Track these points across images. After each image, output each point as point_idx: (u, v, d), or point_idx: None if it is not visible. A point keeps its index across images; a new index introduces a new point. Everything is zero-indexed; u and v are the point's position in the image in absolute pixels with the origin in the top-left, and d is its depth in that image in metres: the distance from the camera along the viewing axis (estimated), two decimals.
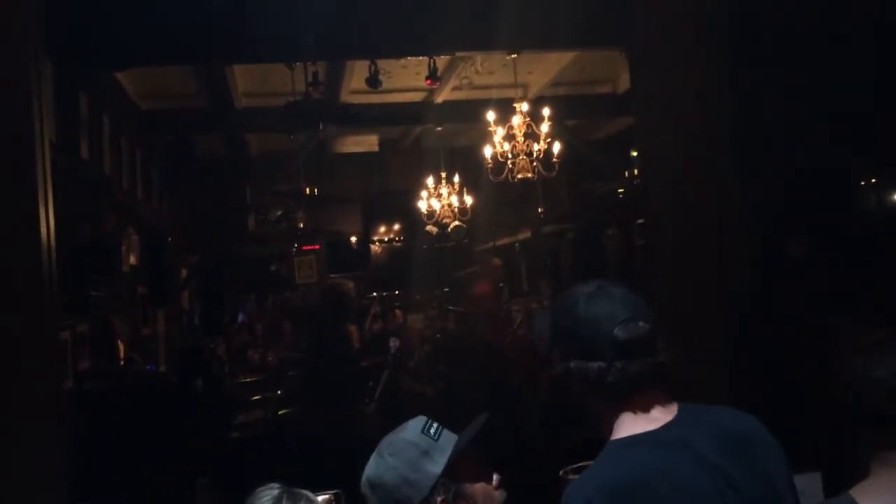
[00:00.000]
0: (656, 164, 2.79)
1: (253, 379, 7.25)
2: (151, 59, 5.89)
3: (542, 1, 5.97)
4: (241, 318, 11.13)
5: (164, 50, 5.66)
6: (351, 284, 5.78)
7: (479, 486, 1.72)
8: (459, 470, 1.69)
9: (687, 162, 2.69)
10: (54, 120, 5.29)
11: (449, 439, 1.71)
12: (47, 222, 2.54)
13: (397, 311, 9.95)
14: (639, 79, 2.82)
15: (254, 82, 8.23)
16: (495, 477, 1.76)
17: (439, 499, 1.64)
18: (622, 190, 9.63)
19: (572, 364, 1.55)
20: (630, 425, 1.53)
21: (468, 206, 9.87)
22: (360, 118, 7.03)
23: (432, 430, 1.71)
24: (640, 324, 1.52)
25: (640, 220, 8.33)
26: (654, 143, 2.78)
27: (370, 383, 6.36)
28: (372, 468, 1.70)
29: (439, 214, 9.89)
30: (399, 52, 6.65)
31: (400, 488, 1.64)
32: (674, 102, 2.71)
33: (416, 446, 1.68)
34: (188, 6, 5.68)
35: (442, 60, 7.48)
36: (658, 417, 1.53)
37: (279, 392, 6.61)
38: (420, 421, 1.74)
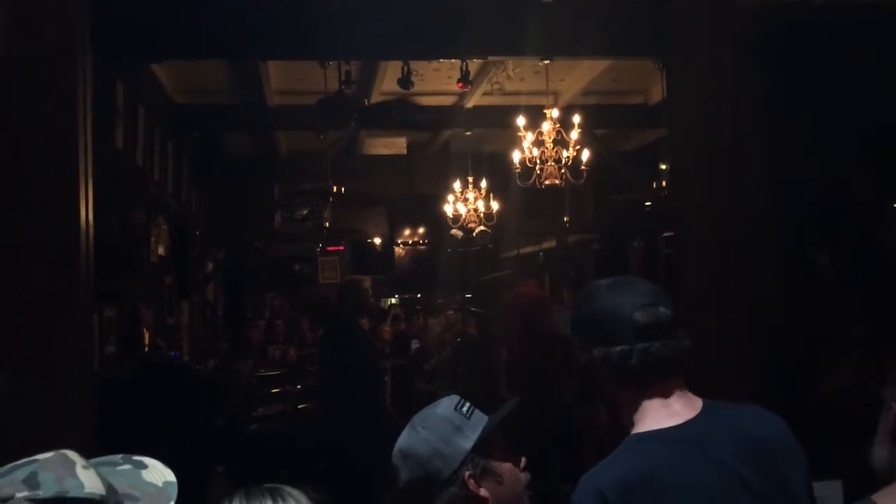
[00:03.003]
0: (686, 174, 2.79)
1: (273, 373, 7.30)
2: (188, 52, 5.99)
3: (575, 8, 6.01)
4: (262, 312, 11.23)
5: (200, 44, 5.76)
6: (367, 282, 5.79)
7: (507, 466, 1.76)
8: (488, 448, 1.73)
9: (717, 174, 2.69)
10: (93, 110, 5.41)
11: (480, 418, 1.76)
12: (86, 210, 2.57)
13: (420, 312, 10.02)
14: (673, 89, 2.82)
15: (287, 80, 8.32)
16: (522, 459, 1.80)
17: (467, 472, 1.68)
18: (649, 202, 9.59)
19: (595, 351, 1.56)
20: (652, 419, 1.55)
21: (494, 211, 9.88)
22: (392, 117, 7.07)
23: (465, 409, 1.75)
24: (661, 309, 1.55)
25: (666, 234, 8.30)
26: (685, 154, 2.78)
27: (385, 379, 6.39)
28: (404, 440, 1.74)
29: (465, 219, 9.92)
30: (432, 55, 6.71)
31: (431, 460, 1.68)
32: (706, 114, 2.72)
33: (450, 421, 1.72)
34: (226, 2, 5.79)
35: (474, 65, 7.50)
36: (680, 412, 1.54)
37: (298, 387, 6.65)
38: (453, 399, 1.79)
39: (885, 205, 4.00)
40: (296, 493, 1.28)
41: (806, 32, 3.29)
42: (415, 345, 8.69)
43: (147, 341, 5.88)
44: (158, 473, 1.21)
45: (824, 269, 3.71)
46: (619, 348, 1.53)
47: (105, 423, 4.31)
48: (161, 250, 7.09)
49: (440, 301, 10.96)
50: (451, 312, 9.35)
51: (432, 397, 1.92)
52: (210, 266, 9.68)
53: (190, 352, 7.67)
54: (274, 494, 1.26)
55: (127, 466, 1.20)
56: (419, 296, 12.21)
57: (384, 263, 12.75)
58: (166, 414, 4.29)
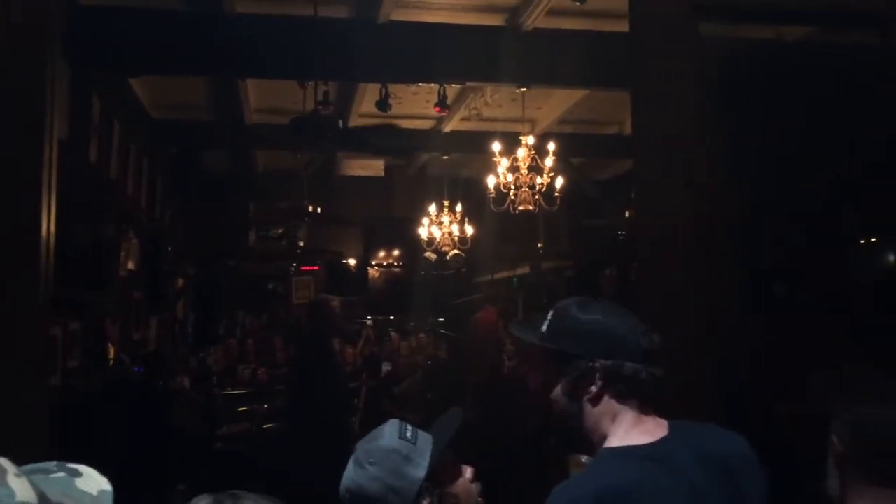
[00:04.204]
0: (649, 207, 2.82)
1: (240, 392, 7.24)
2: (165, 67, 6.00)
3: (553, 39, 6.11)
4: (233, 331, 11.14)
5: (177, 59, 5.78)
6: (338, 302, 5.78)
7: (460, 483, 1.74)
8: (440, 469, 1.69)
9: (681, 206, 2.73)
10: (66, 121, 5.38)
11: (425, 440, 1.71)
12: (48, 221, 2.52)
13: (393, 335, 9.98)
14: (638, 122, 2.86)
15: (265, 99, 8.33)
16: (469, 470, 1.78)
17: (425, 502, 1.64)
18: (622, 231, 9.68)
19: (601, 362, 1.60)
20: (625, 434, 1.59)
21: (468, 235, 9.92)
22: (367, 140, 7.11)
23: (409, 434, 1.69)
24: (656, 336, 1.63)
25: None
26: (648, 186, 2.82)
27: (356, 400, 6.35)
28: (351, 478, 1.65)
29: (439, 242, 9.94)
30: (410, 78, 6.78)
31: (385, 497, 1.61)
32: (671, 147, 2.75)
33: (397, 452, 1.64)
34: (205, 19, 5.82)
35: (452, 90, 7.58)
36: (652, 431, 1.59)
37: (265, 406, 6.60)
38: (395, 425, 1.71)
39: (851, 240, 4.08)
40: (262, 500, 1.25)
41: (774, 71, 3.37)
42: (386, 367, 8.66)
43: (112, 356, 5.82)
44: (94, 482, 1.18)
45: (785, 300, 3.77)
46: (630, 364, 1.60)
47: (65, 437, 4.25)
48: (131, 265, 7.03)
49: (412, 324, 10.93)
50: (422, 335, 9.34)
51: (401, 420, 1.86)
52: (181, 282, 9.60)
53: (155, 368, 7.57)
54: (236, 499, 1.23)
55: (61, 474, 1.17)
56: (392, 318, 12.17)
57: (358, 284, 12.72)
58: (127, 430, 4.23)
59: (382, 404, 7.66)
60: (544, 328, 1.69)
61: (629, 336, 1.62)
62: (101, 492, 1.17)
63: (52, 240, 2.39)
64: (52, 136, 2.38)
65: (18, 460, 1.13)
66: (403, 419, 1.79)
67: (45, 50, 2.37)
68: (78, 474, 1.17)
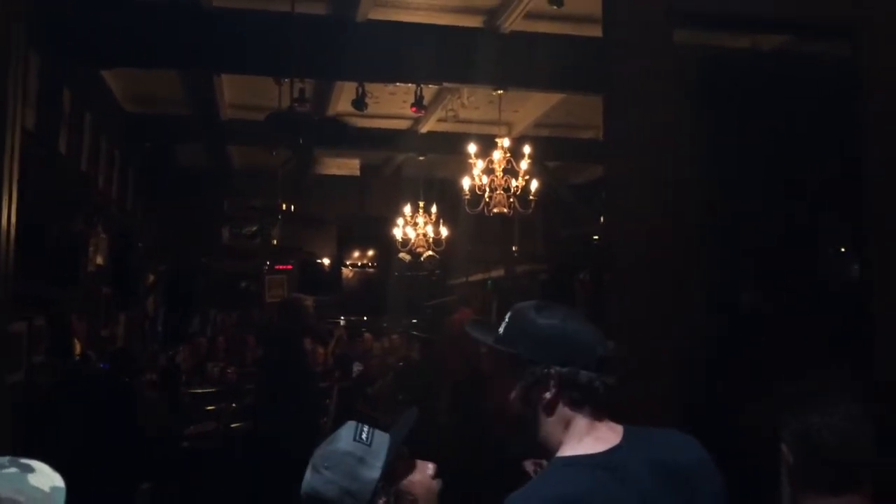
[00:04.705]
0: (621, 211, 2.82)
1: (208, 390, 7.15)
2: (139, 59, 5.93)
3: (530, 42, 6.12)
4: (204, 329, 11.02)
5: (152, 52, 5.70)
6: (310, 301, 5.73)
7: (417, 480, 1.73)
8: (396, 468, 1.70)
9: (652, 213, 2.72)
10: (35, 111, 5.29)
11: (381, 440, 1.71)
12: (9, 212, 2.42)
13: (366, 336, 9.93)
14: (610, 127, 2.86)
15: (241, 95, 8.26)
16: (430, 466, 1.77)
17: (381, 502, 1.65)
18: (597, 236, 9.72)
19: (556, 369, 1.58)
20: (578, 443, 1.57)
21: (443, 237, 9.91)
22: (341, 137, 7.07)
23: (364, 435, 1.70)
24: (611, 344, 1.62)
25: None
26: (619, 192, 2.81)
27: (327, 401, 6.30)
28: (308, 483, 1.66)
29: (414, 243, 9.92)
30: (387, 78, 6.75)
31: (342, 500, 1.63)
32: (643, 152, 2.75)
33: (352, 455, 1.66)
34: (182, 12, 5.75)
35: (429, 91, 7.57)
36: (605, 438, 1.58)
37: (234, 405, 6.53)
38: (350, 428, 1.73)
39: (827, 249, 4.12)
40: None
41: (748, 79, 3.39)
42: (357, 367, 8.61)
43: (78, 352, 5.73)
44: (46, 478, 1.16)
45: (756, 309, 3.79)
46: (585, 372, 1.58)
47: (28, 433, 4.17)
48: (100, 260, 6.93)
49: (385, 325, 10.89)
50: (395, 336, 9.30)
51: (373, 421, 1.87)
52: (151, 278, 9.49)
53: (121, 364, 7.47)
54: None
55: (13, 470, 1.15)
56: (365, 318, 12.12)
57: (332, 284, 12.65)
58: (90, 427, 4.16)
59: (356, 405, 7.62)
60: (501, 330, 1.67)
61: (585, 343, 1.60)
62: (54, 488, 1.15)
63: (14, 231, 2.31)
64: (14, 123, 2.31)
65: None
66: (376, 420, 1.80)
67: (8, 34, 2.30)
68: (30, 470, 1.16)
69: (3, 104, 2.30)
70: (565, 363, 1.58)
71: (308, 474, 1.67)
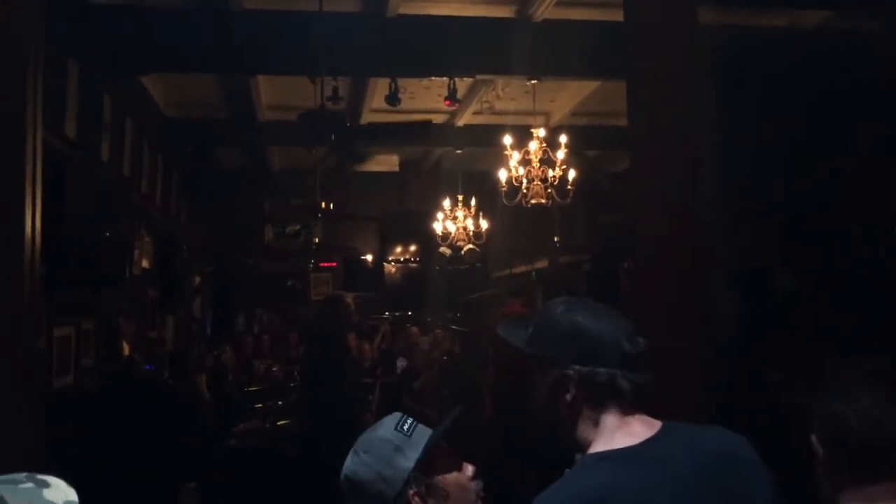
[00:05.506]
0: (645, 198, 2.77)
1: (255, 389, 7.25)
2: (173, 64, 6.01)
3: (562, 30, 6.04)
4: (251, 328, 11.18)
5: (186, 56, 5.78)
6: (350, 298, 5.76)
7: (452, 477, 1.75)
8: (432, 463, 1.73)
9: (674, 197, 2.67)
10: (76, 119, 5.40)
11: (422, 434, 1.75)
12: (33, 218, 2.42)
13: (413, 330, 9.96)
14: (633, 111, 2.81)
15: (278, 95, 8.33)
16: (470, 468, 1.78)
17: (412, 492, 1.68)
18: None
19: (575, 369, 1.56)
20: (608, 439, 1.55)
21: (483, 230, 9.87)
22: (374, 135, 7.08)
23: (405, 427, 1.75)
24: (642, 340, 1.57)
25: None
26: (643, 175, 2.77)
27: (370, 397, 6.33)
28: (348, 466, 1.74)
29: (454, 237, 9.90)
30: (420, 72, 6.74)
31: (375, 484, 1.69)
32: (664, 136, 2.70)
33: (390, 442, 1.72)
34: (213, 16, 5.82)
35: (463, 84, 7.53)
36: (638, 433, 1.55)
37: (280, 403, 6.60)
38: (394, 417, 1.78)
39: (850, 226, 3.99)
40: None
41: (770, 59, 3.30)
42: (401, 363, 8.64)
43: (127, 354, 5.85)
44: (60, 493, 1.21)
45: (787, 290, 3.70)
46: (605, 370, 1.54)
47: (75, 436, 4.27)
48: (145, 262, 7.06)
49: (429, 319, 10.90)
50: (439, 331, 9.30)
51: (420, 416, 1.91)
52: (197, 280, 9.64)
53: (179, 368, 7.61)
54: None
55: (29, 485, 1.20)
56: (410, 313, 12.17)
57: (375, 280, 12.73)
58: (136, 428, 4.24)
59: (402, 400, 7.64)
60: (531, 329, 1.66)
61: (608, 340, 1.56)
62: (68, 502, 1.19)
63: (39, 239, 2.31)
64: (35, 126, 2.32)
65: (8, 464, 1.15)
66: (422, 415, 1.84)
67: (26, 35, 2.30)
68: (46, 485, 1.21)
69: (21, 108, 2.31)
70: (585, 362, 1.55)
71: (349, 457, 1.75)
